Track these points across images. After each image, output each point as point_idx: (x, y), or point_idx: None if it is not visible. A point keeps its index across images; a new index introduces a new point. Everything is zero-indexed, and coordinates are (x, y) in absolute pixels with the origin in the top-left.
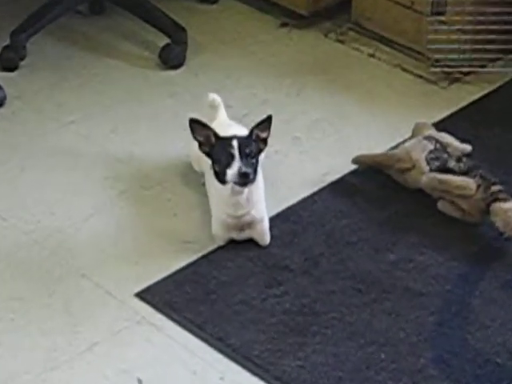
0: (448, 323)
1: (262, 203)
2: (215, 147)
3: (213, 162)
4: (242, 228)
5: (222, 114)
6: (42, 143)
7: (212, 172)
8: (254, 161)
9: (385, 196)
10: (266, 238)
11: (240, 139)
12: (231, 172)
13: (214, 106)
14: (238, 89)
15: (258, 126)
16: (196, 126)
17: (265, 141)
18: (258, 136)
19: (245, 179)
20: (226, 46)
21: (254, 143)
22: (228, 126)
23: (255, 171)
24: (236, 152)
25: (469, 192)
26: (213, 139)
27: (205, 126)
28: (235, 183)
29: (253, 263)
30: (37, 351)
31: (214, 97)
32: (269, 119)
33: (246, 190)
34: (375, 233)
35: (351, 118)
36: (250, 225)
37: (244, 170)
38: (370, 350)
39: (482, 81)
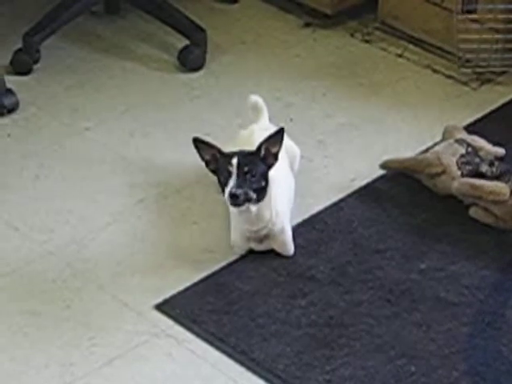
0: (481, 334)
1: (282, 214)
2: (219, 163)
3: (218, 180)
4: (260, 240)
5: (265, 117)
6: (57, 150)
7: None
8: (254, 179)
9: (414, 202)
10: (288, 249)
11: (242, 156)
12: (226, 191)
13: (256, 109)
14: (260, 92)
15: (268, 140)
16: (201, 145)
17: (276, 156)
18: (268, 150)
19: (235, 200)
20: (247, 48)
21: (261, 160)
22: (266, 130)
23: (257, 190)
24: (234, 170)
25: (502, 197)
26: (218, 156)
27: (209, 145)
28: (228, 202)
29: (277, 273)
30: (52, 366)
31: (257, 99)
32: (280, 132)
33: (255, 207)
34: (405, 241)
35: (379, 121)
36: (269, 237)
37: (234, 191)
38: (399, 362)
39: None
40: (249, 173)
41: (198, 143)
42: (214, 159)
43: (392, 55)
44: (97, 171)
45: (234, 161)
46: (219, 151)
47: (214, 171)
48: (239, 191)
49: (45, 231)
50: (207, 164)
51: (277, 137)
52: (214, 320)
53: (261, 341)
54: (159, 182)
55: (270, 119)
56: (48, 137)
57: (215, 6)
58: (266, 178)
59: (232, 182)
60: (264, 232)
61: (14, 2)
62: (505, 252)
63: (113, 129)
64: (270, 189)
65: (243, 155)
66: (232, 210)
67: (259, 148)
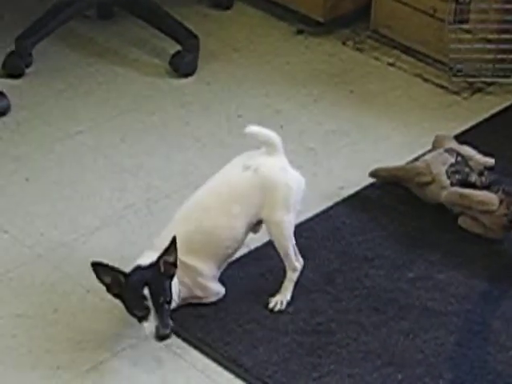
0: (468, 344)
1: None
2: (125, 290)
3: (124, 305)
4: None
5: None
6: (48, 154)
7: None
8: (168, 306)
9: (403, 211)
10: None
11: (151, 284)
12: (148, 329)
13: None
14: (251, 98)
15: (165, 252)
16: (100, 268)
17: (174, 264)
18: (166, 262)
19: (164, 339)
20: (239, 54)
21: (166, 279)
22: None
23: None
24: (150, 304)
25: (491, 207)
26: (121, 279)
27: (109, 268)
28: (152, 339)
29: (265, 279)
30: (39, 369)
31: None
32: (173, 242)
33: None
34: (393, 249)
35: (369, 129)
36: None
37: (163, 332)
38: (386, 371)
39: (506, 91)
40: (164, 302)
41: (96, 267)
42: (117, 283)
43: (384, 64)
44: (87, 175)
45: (146, 292)
46: (123, 274)
47: (117, 295)
48: (167, 330)
49: (34, 234)
50: (108, 288)
51: (172, 247)
52: (201, 326)
53: (248, 347)
54: (149, 187)
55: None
56: (39, 140)
57: (208, 12)
58: (170, 290)
59: (155, 321)
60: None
61: (6, 5)
62: (493, 262)
63: (104, 133)
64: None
65: (151, 281)
66: None
67: (158, 264)
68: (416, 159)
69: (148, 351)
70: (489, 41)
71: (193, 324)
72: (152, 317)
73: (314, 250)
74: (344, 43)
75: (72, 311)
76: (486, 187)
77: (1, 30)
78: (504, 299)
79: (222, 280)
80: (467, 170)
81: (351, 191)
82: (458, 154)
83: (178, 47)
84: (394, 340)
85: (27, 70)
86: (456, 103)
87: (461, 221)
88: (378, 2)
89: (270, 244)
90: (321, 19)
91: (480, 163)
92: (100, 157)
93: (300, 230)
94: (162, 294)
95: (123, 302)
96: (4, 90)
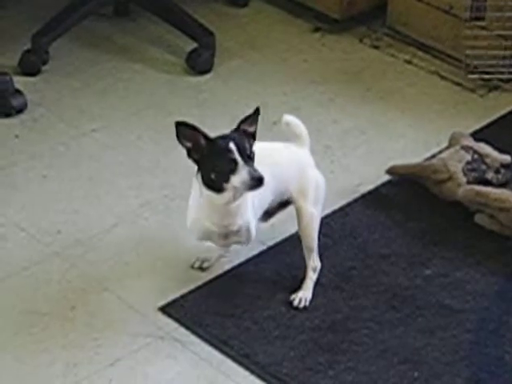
0: (485, 341)
1: (248, 208)
2: (210, 150)
3: (205, 170)
4: (226, 236)
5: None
6: (65, 151)
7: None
8: (252, 163)
9: (420, 208)
10: (249, 240)
11: (236, 140)
12: (239, 179)
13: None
14: (267, 96)
15: (245, 120)
16: (184, 129)
17: (253, 135)
18: (245, 131)
19: (259, 183)
20: (255, 52)
21: (247, 141)
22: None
23: None
24: (237, 156)
25: (508, 205)
26: (203, 142)
27: (194, 129)
28: (245, 189)
29: (281, 276)
30: (56, 367)
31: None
32: (257, 111)
33: (237, 202)
34: (410, 246)
35: (385, 126)
36: (236, 232)
37: (258, 174)
38: (403, 368)
39: None
40: (250, 155)
41: (180, 127)
42: (198, 147)
43: (400, 61)
44: (103, 173)
45: (233, 146)
46: (205, 136)
47: (196, 161)
48: (261, 174)
49: (51, 232)
50: (189, 153)
51: (253, 116)
52: (218, 323)
53: (264, 344)
54: (165, 184)
55: (277, 123)
56: (56, 137)
57: (225, 9)
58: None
59: (246, 167)
60: (234, 228)
61: (23, 3)
62: (509, 259)
63: (120, 131)
64: None
65: (235, 138)
66: (210, 202)
67: (239, 129)
68: (433, 156)
69: (164, 349)
70: (505, 38)
71: (209, 321)
72: (241, 167)
73: (330, 247)
74: (360, 41)
75: (89, 309)
76: (503, 184)
77: (17, 27)
78: None
79: (237, 277)
80: (484, 167)
81: (368, 188)
82: (475, 151)
83: (195, 44)
84: (411, 337)
85: (44, 68)
86: (472, 100)
87: (477, 218)
88: (395, 0)
89: (285, 241)
90: (337, 17)
91: (496, 160)
92: (116, 154)
93: None
94: (246, 148)
95: (205, 166)
96: (21, 88)
